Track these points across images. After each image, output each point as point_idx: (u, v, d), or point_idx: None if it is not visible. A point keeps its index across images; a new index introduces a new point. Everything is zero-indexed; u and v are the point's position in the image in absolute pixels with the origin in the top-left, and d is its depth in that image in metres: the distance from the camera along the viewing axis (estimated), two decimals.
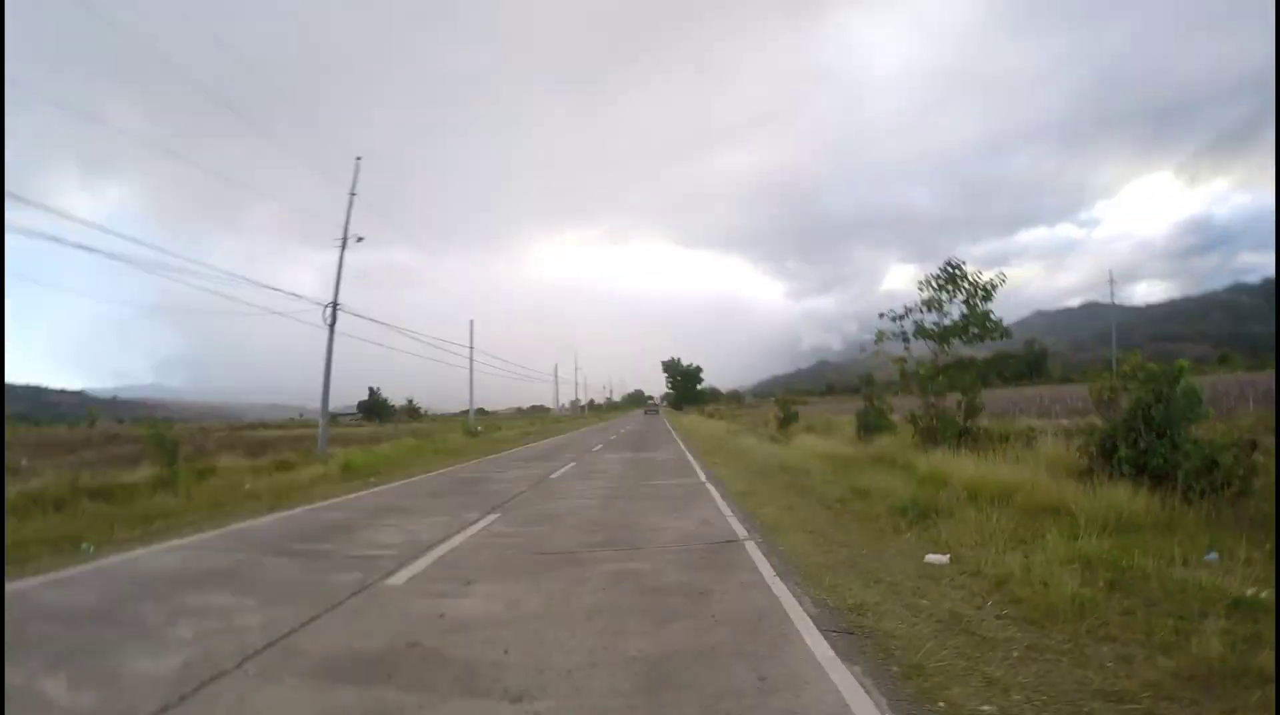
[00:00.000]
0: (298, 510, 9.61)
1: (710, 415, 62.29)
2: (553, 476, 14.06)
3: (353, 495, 11.33)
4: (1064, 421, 14.50)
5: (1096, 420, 9.86)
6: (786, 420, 25.98)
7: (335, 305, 19.30)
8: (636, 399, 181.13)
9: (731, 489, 10.99)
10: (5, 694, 3.00)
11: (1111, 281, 58.91)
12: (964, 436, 11.87)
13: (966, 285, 13.42)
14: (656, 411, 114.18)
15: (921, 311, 14.11)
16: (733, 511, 8.71)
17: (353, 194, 20.14)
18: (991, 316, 13.48)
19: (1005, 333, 14.30)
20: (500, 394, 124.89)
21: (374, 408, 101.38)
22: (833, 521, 7.87)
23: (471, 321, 35.67)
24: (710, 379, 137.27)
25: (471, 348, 34.50)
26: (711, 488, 11.27)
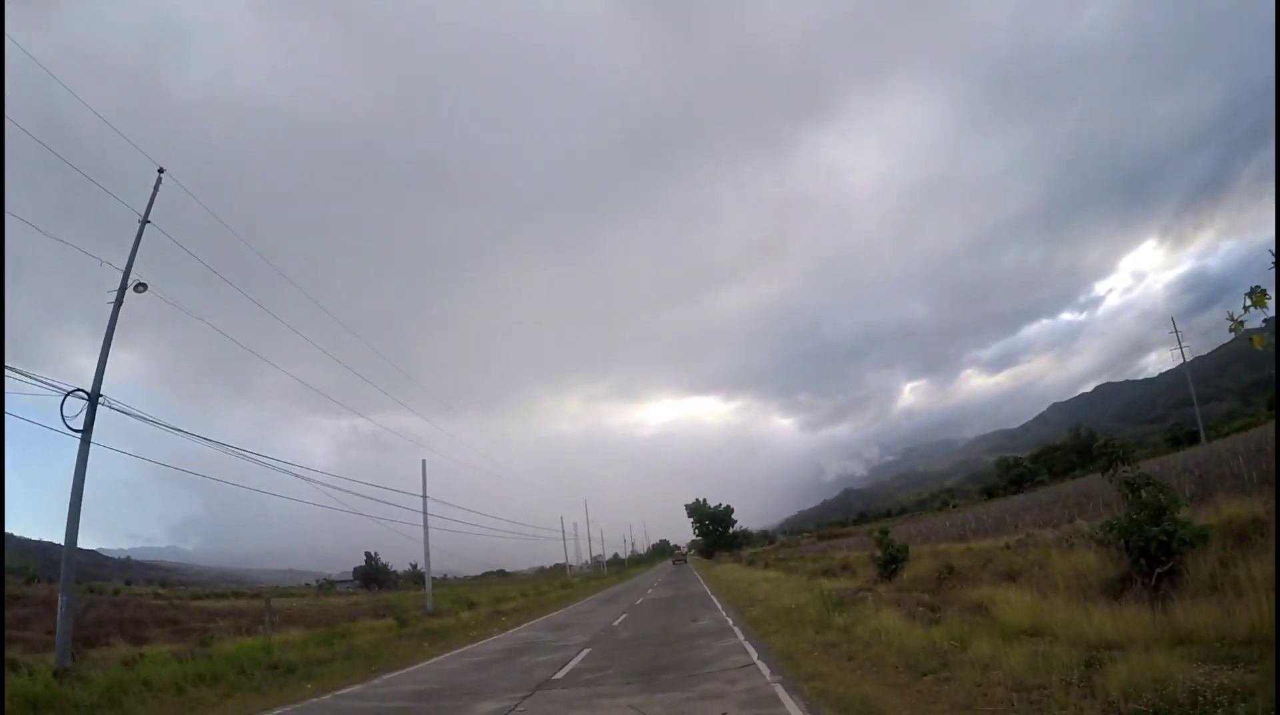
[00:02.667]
0: None
1: (749, 562, 54.30)
2: None
3: None
4: None
5: None
6: (890, 563, 17.67)
7: (96, 398, 12.77)
8: (662, 550, 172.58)
9: None
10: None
11: (1176, 331, 52.85)
12: None
13: None
14: (684, 561, 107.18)
15: None
16: None
17: (145, 221, 14.61)
18: None
19: None
20: (520, 554, 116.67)
21: (371, 574, 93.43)
22: None
23: (424, 461, 28.94)
24: (738, 520, 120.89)
25: (425, 496, 28.26)
26: None
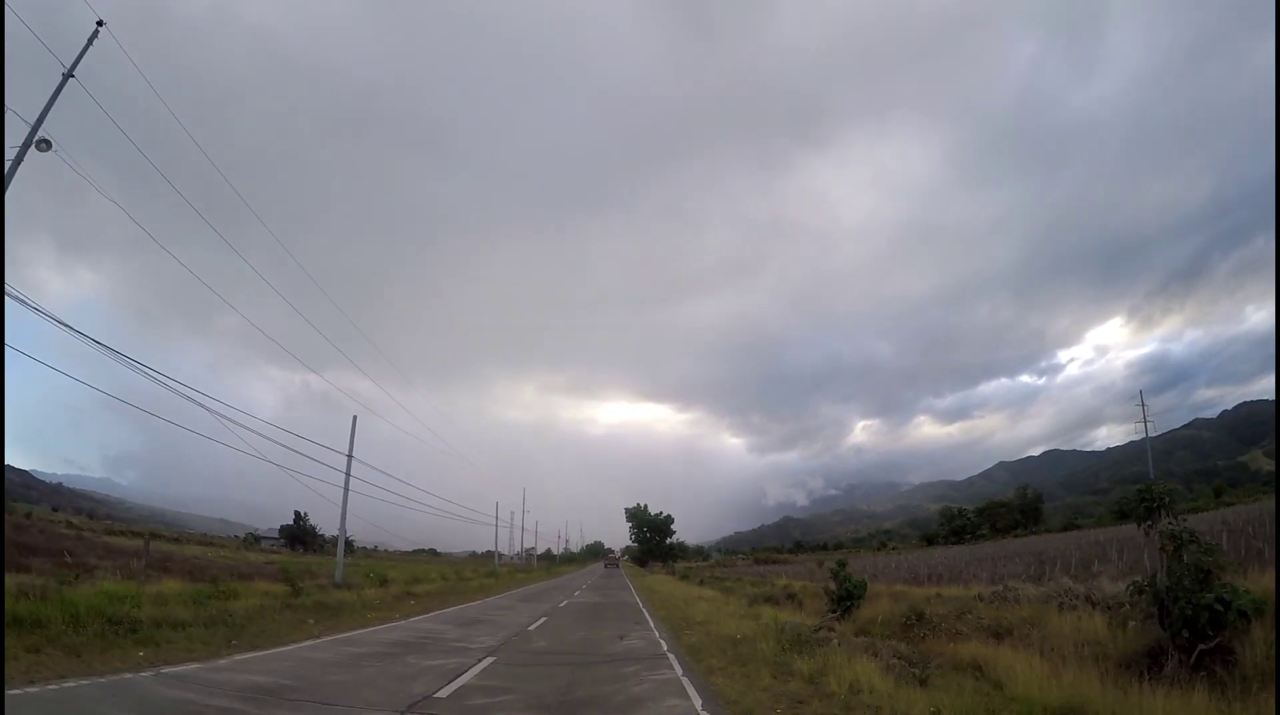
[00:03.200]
0: None
1: (683, 576, 52.46)
2: None
3: None
4: None
5: None
6: (845, 598, 15.41)
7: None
8: (595, 551, 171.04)
9: None
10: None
11: (1143, 403, 52.67)
12: None
13: None
14: (617, 565, 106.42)
15: None
16: None
17: (68, 75, 12.51)
18: None
19: None
20: (454, 537, 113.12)
21: (298, 535, 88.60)
22: None
23: (355, 417, 26.46)
24: (676, 531, 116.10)
25: (350, 456, 25.24)
26: None
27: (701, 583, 41.42)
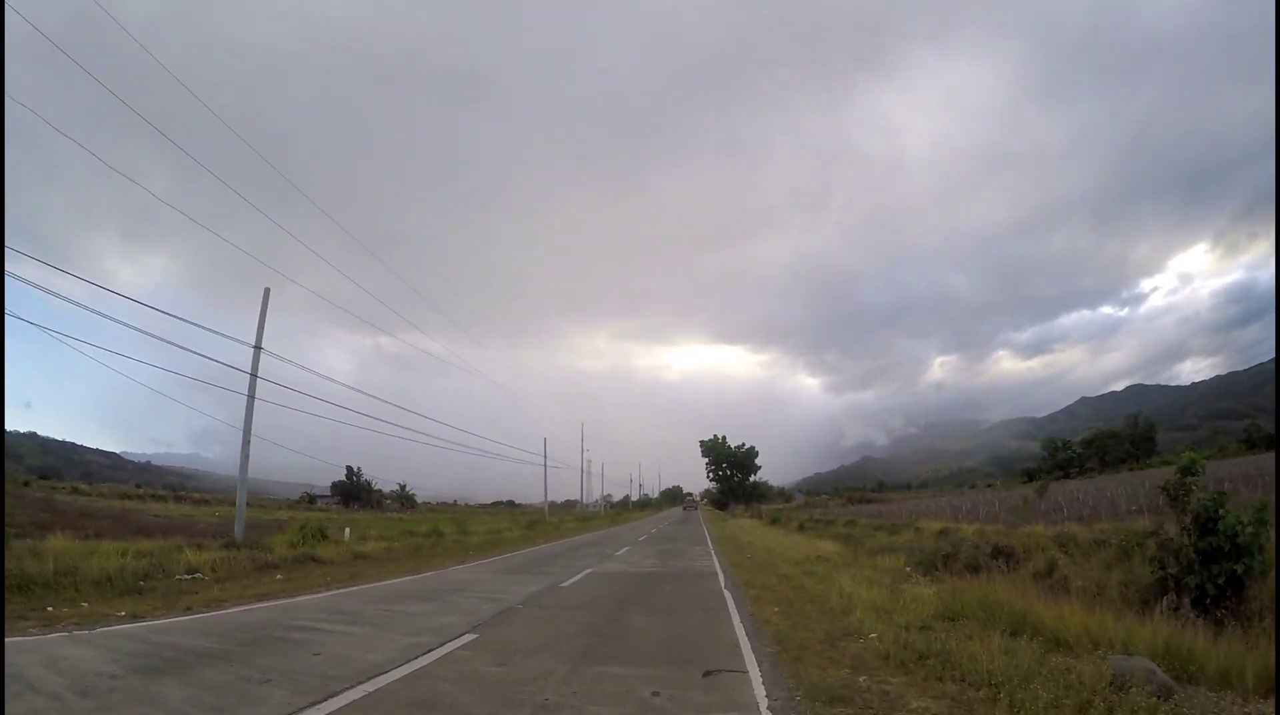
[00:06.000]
0: None
1: (772, 520, 42.35)
2: None
3: None
4: None
5: None
6: (1221, 558, 6.85)
7: None
8: (672, 495, 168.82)
9: None
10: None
11: None
12: None
13: None
14: (695, 508, 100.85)
15: None
16: None
17: None
18: None
19: None
20: (533, 487, 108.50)
21: (350, 490, 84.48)
22: None
23: (266, 289, 17.17)
24: (761, 467, 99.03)
25: (259, 347, 15.95)
26: None
27: (802, 528, 31.32)
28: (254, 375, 16.48)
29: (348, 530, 20.47)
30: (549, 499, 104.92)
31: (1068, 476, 73.17)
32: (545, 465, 50.09)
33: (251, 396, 16.30)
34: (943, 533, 19.53)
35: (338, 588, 11.00)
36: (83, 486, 64.82)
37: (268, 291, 17.04)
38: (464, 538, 24.16)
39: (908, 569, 12.07)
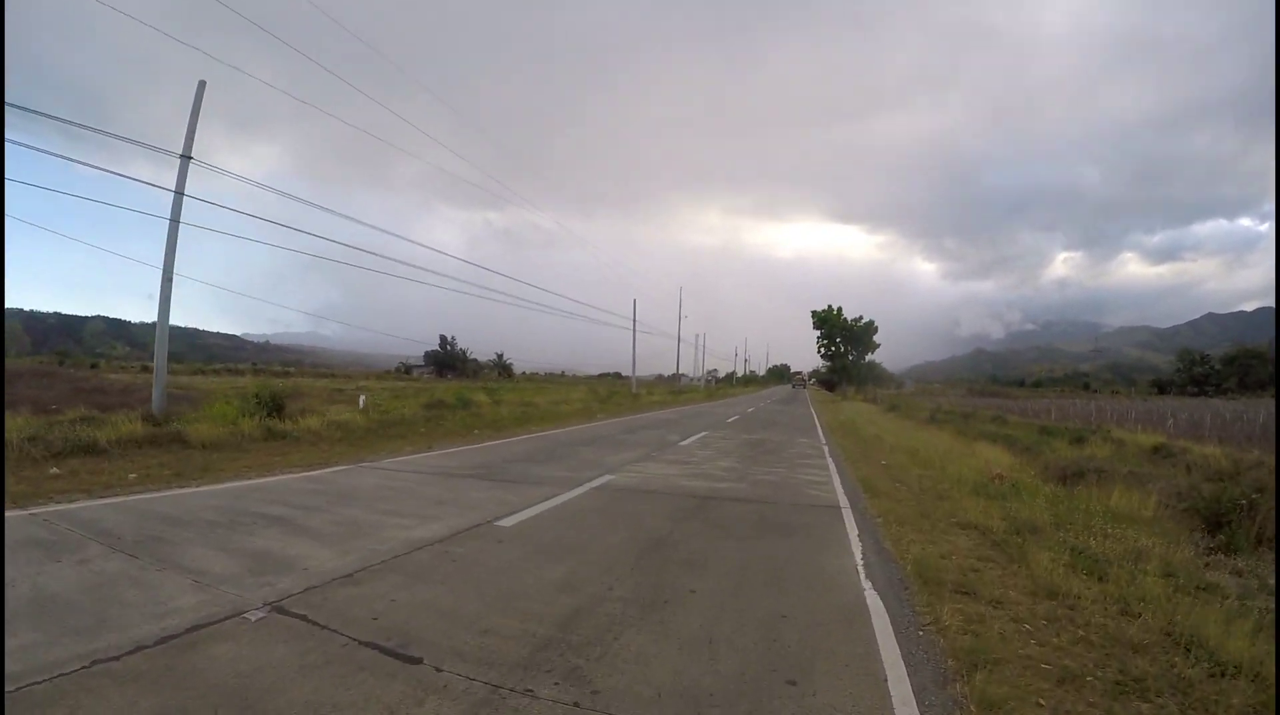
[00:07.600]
0: None
1: (892, 407, 35.35)
2: None
3: None
4: None
5: None
6: None
7: None
8: (780, 373, 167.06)
9: None
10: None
11: None
12: None
13: None
14: (803, 386, 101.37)
15: None
16: None
17: None
18: None
19: None
20: (640, 361, 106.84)
21: (445, 359, 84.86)
22: None
23: (201, 83, 13.62)
24: (880, 344, 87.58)
25: (181, 193, 11.80)
26: None
27: (934, 420, 24.72)
28: (179, 193, 11.79)
29: (363, 398, 17.32)
30: (657, 373, 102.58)
31: (1204, 394, 65.55)
32: (634, 330, 45.36)
33: (175, 221, 11.64)
34: (1158, 451, 13.22)
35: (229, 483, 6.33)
36: (174, 366, 68.28)
37: (202, 84, 12.08)
38: (495, 408, 19.78)
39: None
